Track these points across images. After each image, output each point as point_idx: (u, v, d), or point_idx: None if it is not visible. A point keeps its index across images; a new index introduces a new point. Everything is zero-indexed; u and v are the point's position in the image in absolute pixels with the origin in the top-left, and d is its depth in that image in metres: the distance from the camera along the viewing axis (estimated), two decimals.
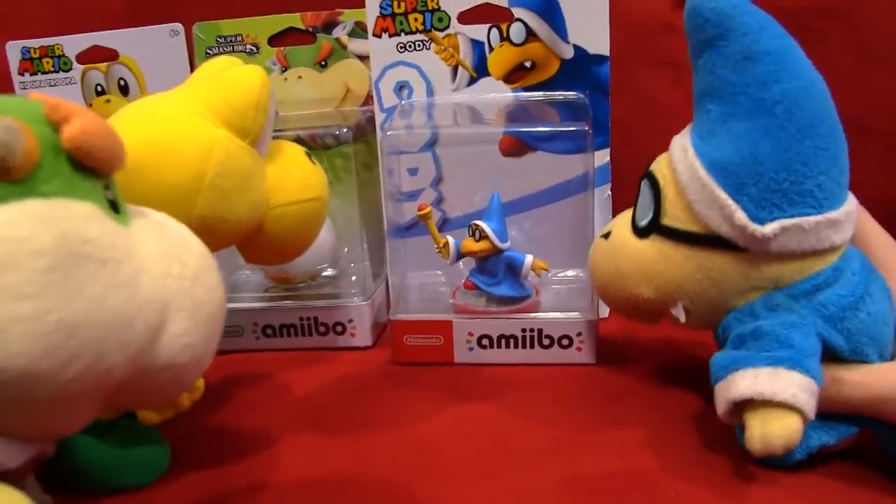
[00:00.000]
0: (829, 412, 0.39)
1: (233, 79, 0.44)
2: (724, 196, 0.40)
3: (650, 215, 0.44)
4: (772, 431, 0.36)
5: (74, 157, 0.30)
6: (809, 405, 0.36)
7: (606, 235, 0.48)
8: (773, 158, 0.39)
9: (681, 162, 0.42)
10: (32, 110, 0.30)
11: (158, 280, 0.31)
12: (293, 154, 0.49)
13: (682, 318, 0.44)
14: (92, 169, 0.30)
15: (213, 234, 0.40)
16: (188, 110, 0.43)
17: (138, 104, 0.45)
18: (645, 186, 0.45)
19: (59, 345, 0.27)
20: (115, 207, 0.31)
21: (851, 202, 0.41)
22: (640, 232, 0.44)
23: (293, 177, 0.47)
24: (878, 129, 0.66)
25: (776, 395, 0.36)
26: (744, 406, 0.38)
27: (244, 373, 0.54)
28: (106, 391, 0.31)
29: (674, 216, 0.42)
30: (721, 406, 0.39)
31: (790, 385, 0.37)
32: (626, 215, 0.47)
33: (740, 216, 0.39)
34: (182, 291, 0.32)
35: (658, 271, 0.43)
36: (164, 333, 0.31)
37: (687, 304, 0.43)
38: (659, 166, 0.44)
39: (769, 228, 0.39)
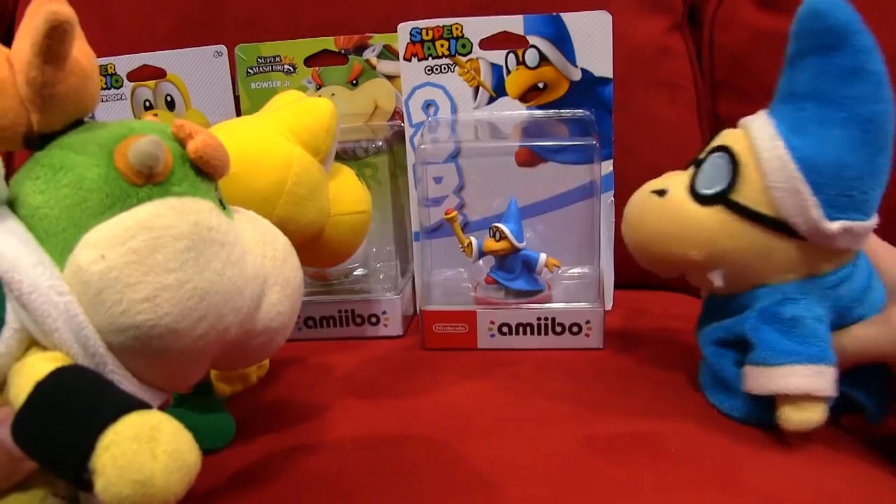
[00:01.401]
0: None
1: (309, 107, 0.54)
2: (806, 190, 0.44)
3: (721, 187, 0.47)
4: (808, 417, 0.44)
5: (196, 165, 0.37)
6: (833, 391, 0.44)
7: (661, 193, 0.50)
8: (854, 167, 0.44)
9: (768, 149, 0.45)
10: (163, 130, 0.38)
11: (258, 260, 0.39)
12: (347, 173, 0.59)
13: (718, 282, 0.48)
14: (207, 174, 0.38)
15: (286, 233, 0.49)
16: (272, 131, 0.52)
17: (230, 124, 0.54)
18: (721, 159, 0.47)
19: (193, 307, 0.35)
20: (222, 204, 0.40)
21: (876, 220, 0.46)
22: (703, 199, 0.47)
23: (348, 192, 0.57)
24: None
25: (816, 392, 0.44)
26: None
27: (292, 357, 0.62)
28: (219, 349, 0.38)
29: (747, 195, 0.46)
30: (760, 387, 0.45)
31: (827, 382, 0.44)
32: (680, 178, 0.50)
33: (817, 211, 0.44)
34: (275, 270, 0.40)
35: (714, 239, 0.47)
36: (264, 302, 0.39)
37: (726, 273, 0.48)
38: (738, 145, 0.47)
39: (835, 226, 0.44)
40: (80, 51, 0.36)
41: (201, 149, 0.37)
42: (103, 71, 0.76)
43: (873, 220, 0.46)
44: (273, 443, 0.49)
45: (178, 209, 0.35)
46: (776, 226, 0.45)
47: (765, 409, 0.46)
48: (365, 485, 0.44)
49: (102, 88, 0.76)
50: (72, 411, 0.31)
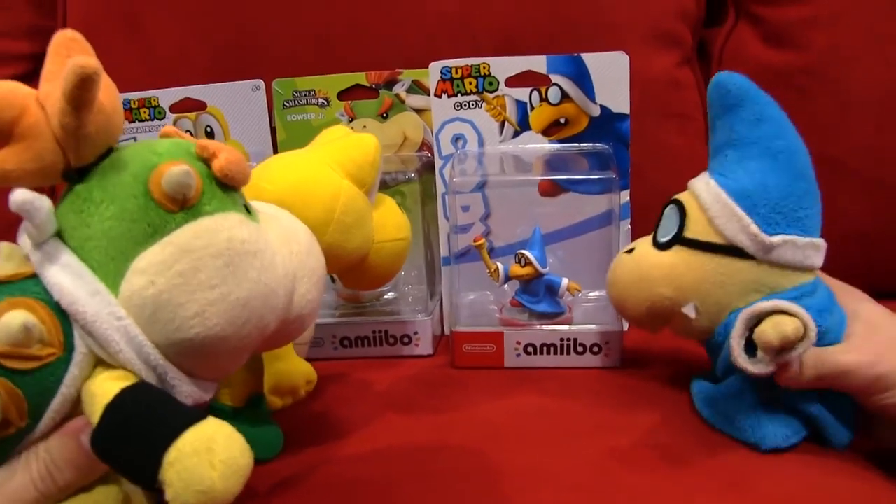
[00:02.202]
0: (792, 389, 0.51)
1: (356, 142, 0.59)
2: (741, 212, 0.53)
3: (674, 231, 0.56)
4: (784, 323, 0.48)
5: (222, 181, 0.40)
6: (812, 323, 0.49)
7: (629, 251, 0.59)
8: (777, 188, 0.53)
9: (704, 191, 0.55)
10: (188, 149, 0.40)
11: (286, 258, 0.43)
12: (390, 203, 0.63)
13: (693, 315, 0.55)
14: (232, 187, 0.41)
15: (334, 258, 0.54)
16: (322, 164, 0.58)
17: (282, 157, 0.60)
18: (671, 210, 0.57)
19: (238, 315, 0.39)
20: (247, 209, 0.43)
21: (822, 241, 0.54)
22: (663, 246, 0.56)
23: (391, 220, 0.62)
24: (853, 169, 0.78)
25: (791, 309, 0.49)
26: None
27: (331, 374, 0.67)
28: (259, 342, 0.42)
29: (695, 231, 0.55)
30: (739, 327, 0.50)
31: (802, 311, 0.49)
32: (645, 239, 0.59)
33: (754, 228, 0.52)
34: (301, 263, 0.45)
35: (679, 273, 0.55)
36: (296, 294, 0.44)
37: (698, 304, 0.55)
38: (683, 197, 0.57)
39: (777, 239, 0.52)
40: (104, 89, 0.39)
41: (226, 166, 0.40)
42: (147, 103, 0.81)
43: (818, 239, 0.53)
44: (319, 452, 0.55)
45: (212, 229, 0.39)
46: (727, 250, 0.54)
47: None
48: (407, 490, 0.49)
49: (147, 119, 0.82)
50: (138, 432, 0.36)
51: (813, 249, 0.53)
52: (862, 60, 0.78)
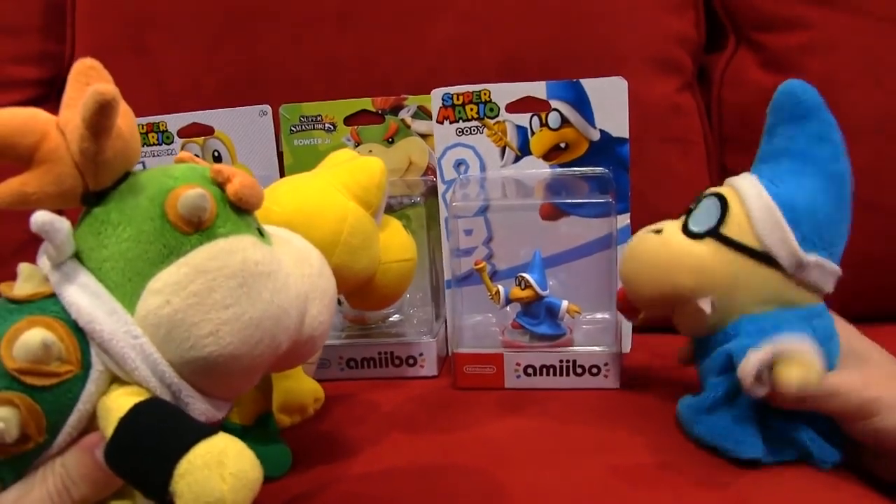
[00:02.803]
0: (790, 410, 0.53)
1: (362, 166, 0.61)
2: (786, 225, 0.53)
3: (712, 225, 0.56)
4: (806, 374, 0.49)
5: (236, 205, 0.42)
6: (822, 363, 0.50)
7: (657, 231, 0.59)
8: (823, 211, 0.54)
9: (752, 193, 0.55)
10: (203, 174, 0.42)
11: (299, 280, 0.44)
12: (396, 225, 0.65)
13: (709, 310, 0.55)
14: (245, 210, 0.43)
15: (342, 279, 0.55)
16: (329, 187, 0.59)
17: (290, 180, 0.61)
18: (711, 203, 0.57)
19: (251, 335, 0.40)
20: (260, 232, 0.44)
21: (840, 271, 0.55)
22: (695, 236, 0.56)
23: (396, 241, 0.63)
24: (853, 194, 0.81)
25: (808, 349, 0.50)
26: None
27: (338, 395, 0.69)
28: (272, 362, 0.44)
29: (733, 230, 0.55)
30: (753, 363, 0.49)
31: (816, 349, 0.50)
32: (672, 222, 0.59)
33: (795, 243, 0.53)
34: (313, 285, 0.46)
35: (707, 267, 0.55)
36: (307, 316, 0.45)
37: (714, 300, 0.55)
38: (724, 192, 0.57)
39: (811, 258, 0.53)
40: (122, 115, 0.40)
41: (240, 191, 0.42)
42: (156, 128, 0.84)
43: (838, 268, 0.55)
44: (326, 471, 0.57)
45: (226, 250, 0.41)
46: (760, 257, 0.54)
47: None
48: None
49: (155, 144, 0.85)
50: (150, 445, 0.37)
51: (833, 277, 0.55)
52: (857, 86, 0.80)
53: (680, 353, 0.65)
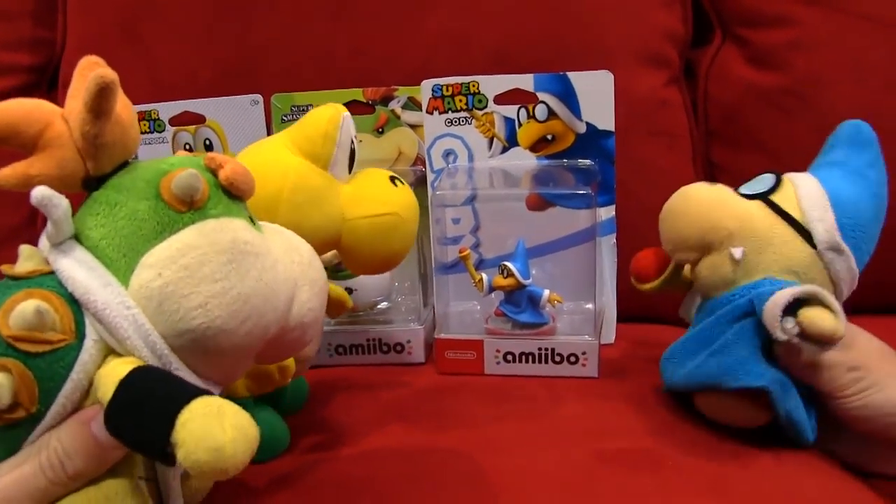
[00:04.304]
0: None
1: (308, 117, 0.59)
2: (829, 205, 0.58)
3: (764, 190, 0.60)
4: (830, 317, 0.52)
5: (228, 190, 0.44)
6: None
7: (711, 183, 0.62)
8: (865, 214, 0.58)
9: (804, 179, 0.60)
10: (197, 163, 0.45)
11: (288, 266, 0.46)
12: (374, 177, 0.61)
13: (739, 257, 0.58)
14: (237, 196, 0.45)
15: None
16: (277, 145, 0.59)
17: (248, 148, 0.61)
18: (768, 176, 0.61)
19: (239, 310, 0.42)
20: (252, 221, 0.46)
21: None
22: (746, 196, 0.60)
23: (368, 194, 0.60)
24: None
25: (831, 301, 0.53)
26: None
27: (327, 380, 0.72)
28: (261, 345, 0.45)
29: (783, 200, 0.59)
30: (781, 302, 0.53)
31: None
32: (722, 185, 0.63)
33: (833, 222, 0.57)
34: (303, 273, 0.47)
35: (751, 218, 0.59)
36: (296, 301, 0.46)
37: (747, 253, 0.58)
38: (784, 175, 0.61)
39: (844, 245, 0.57)
40: (121, 104, 0.43)
41: (231, 176, 0.44)
42: (147, 116, 0.86)
43: (857, 271, 0.58)
44: (315, 454, 0.59)
45: (217, 229, 0.43)
46: (799, 228, 0.58)
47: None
48: (402, 488, 0.54)
49: (146, 132, 0.87)
50: (152, 400, 0.38)
51: (849, 277, 0.58)
52: (841, 84, 0.84)
53: (683, 308, 0.68)
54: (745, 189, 0.62)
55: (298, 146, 0.58)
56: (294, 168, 0.58)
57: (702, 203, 0.61)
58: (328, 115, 0.58)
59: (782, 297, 0.53)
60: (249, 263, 0.43)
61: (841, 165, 0.60)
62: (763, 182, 0.61)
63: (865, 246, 0.59)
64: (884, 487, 0.55)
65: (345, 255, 0.62)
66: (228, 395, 0.57)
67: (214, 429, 0.37)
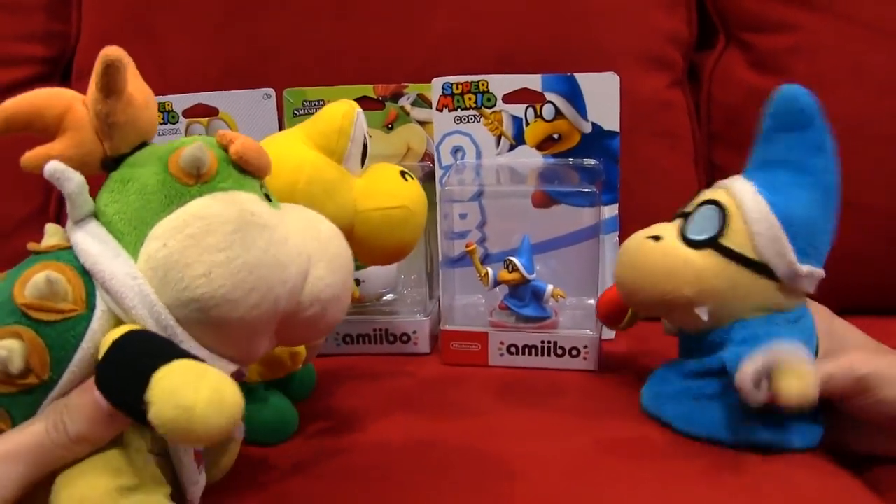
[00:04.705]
0: None
1: (323, 113, 0.61)
2: (785, 238, 0.56)
3: (712, 234, 0.57)
4: (806, 384, 0.51)
5: (238, 164, 0.45)
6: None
7: (656, 238, 0.60)
8: (818, 225, 0.57)
9: (751, 203, 0.56)
10: (210, 141, 0.46)
11: (301, 241, 0.46)
12: (385, 171, 0.63)
13: (705, 318, 0.57)
14: (250, 172, 0.46)
15: None
16: (293, 139, 0.61)
17: (269, 138, 0.63)
18: (711, 211, 0.58)
19: (244, 279, 0.42)
20: (268, 198, 0.47)
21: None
22: (695, 244, 0.58)
23: (380, 188, 0.62)
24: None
25: (805, 359, 0.52)
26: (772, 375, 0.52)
27: (334, 368, 0.74)
28: (275, 322, 0.45)
29: (733, 240, 0.57)
30: (753, 369, 0.52)
31: (811, 358, 0.53)
32: (671, 227, 0.60)
33: (793, 256, 0.56)
34: (320, 249, 0.47)
35: (707, 278, 0.57)
36: (310, 276, 0.46)
37: (711, 308, 0.57)
38: (724, 199, 0.58)
39: (805, 269, 0.56)
40: (135, 87, 0.45)
41: (240, 150, 0.45)
42: (161, 108, 0.87)
43: (823, 272, 0.58)
44: (322, 441, 0.61)
45: (224, 200, 0.44)
46: (758, 268, 0.57)
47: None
48: (406, 473, 0.55)
49: (161, 123, 0.88)
50: (137, 358, 0.39)
51: (818, 280, 0.58)
52: (840, 88, 0.85)
53: (666, 325, 0.68)
54: (692, 233, 0.59)
55: (314, 140, 0.60)
56: (310, 161, 0.59)
57: (654, 273, 0.59)
58: (343, 111, 0.60)
59: (747, 373, 0.52)
60: (256, 234, 0.43)
61: (783, 163, 0.57)
62: (709, 221, 0.58)
63: (826, 245, 0.58)
64: (881, 483, 0.57)
65: (355, 246, 0.61)
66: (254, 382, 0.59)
67: (187, 388, 0.37)
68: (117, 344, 0.40)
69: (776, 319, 0.58)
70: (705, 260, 0.58)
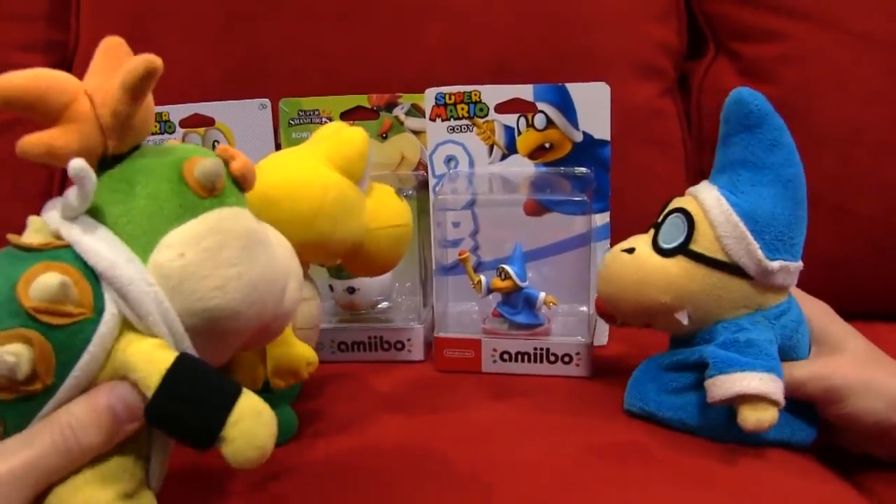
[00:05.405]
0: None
1: (345, 138, 0.64)
2: (750, 237, 0.57)
3: (680, 241, 0.60)
4: (764, 417, 0.54)
5: (237, 181, 0.46)
6: (782, 400, 0.55)
7: (629, 251, 0.62)
8: (783, 217, 0.58)
9: (715, 208, 0.59)
10: (208, 152, 0.46)
11: (283, 257, 0.48)
12: (386, 192, 0.67)
13: (685, 321, 0.60)
14: (243, 189, 0.47)
15: (326, 246, 0.61)
16: (314, 159, 0.63)
17: (278, 155, 0.65)
18: (678, 219, 0.61)
19: (249, 293, 0.43)
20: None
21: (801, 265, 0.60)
22: (665, 252, 0.60)
23: (386, 208, 0.66)
24: (819, 196, 0.82)
25: (770, 395, 0.54)
26: (738, 397, 0.55)
27: (330, 375, 0.75)
28: (255, 329, 0.46)
29: (702, 245, 0.59)
30: (722, 392, 0.55)
31: (778, 389, 0.55)
32: (644, 238, 0.63)
33: (760, 253, 0.57)
34: (292, 264, 0.49)
35: (681, 283, 0.59)
36: (287, 290, 0.48)
37: (690, 312, 0.60)
38: (690, 207, 0.60)
39: (776, 264, 0.57)
40: None
41: (242, 168, 0.46)
42: (158, 118, 0.88)
43: (800, 263, 0.60)
44: (318, 446, 0.62)
45: (234, 216, 0.45)
46: (729, 268, 0.59)
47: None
48: (399, 476, 0.56)
49: (158, 133, 0.89)
50: (202, 395, 0.41)
51: (795, 273, 0.60)
52: (828, 96, 0.87)
53: None
54: (663, 241, 0.61)
55: (335, 163, 0.63)
56: (335, 183, 0.62)
57: (628, 285, 0.62)
58: (363, 138, 0.64)
59: (716, 400, 0.57)
60: (259, 251, 0.45)
61: (742, 163, 0.59)
62: (677, 229, 0.61)
63: (799, 236, 0.60)
64: (872, 487, 0.59)
65: (361, 260, 0.66)
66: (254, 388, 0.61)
67: (260, 429, 0.42)
68: (174, 376, 0.41)
69: (757, 318, 0.60)
70: (678, 266, 0.60)
